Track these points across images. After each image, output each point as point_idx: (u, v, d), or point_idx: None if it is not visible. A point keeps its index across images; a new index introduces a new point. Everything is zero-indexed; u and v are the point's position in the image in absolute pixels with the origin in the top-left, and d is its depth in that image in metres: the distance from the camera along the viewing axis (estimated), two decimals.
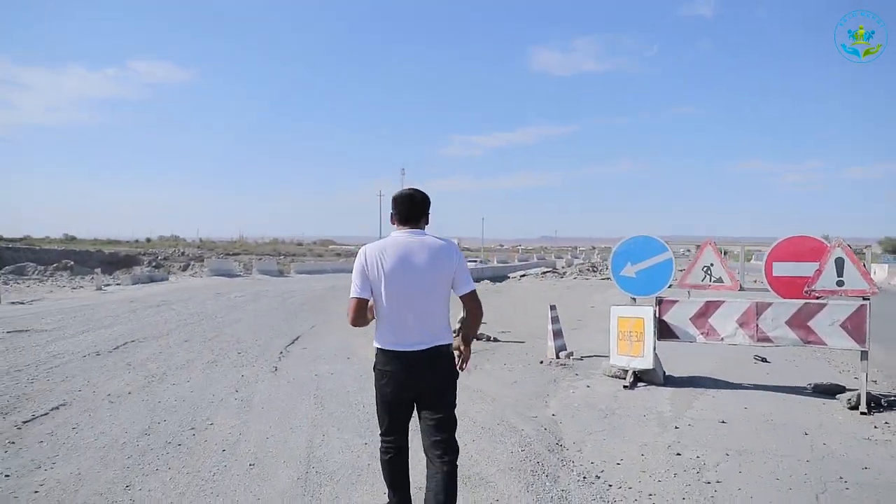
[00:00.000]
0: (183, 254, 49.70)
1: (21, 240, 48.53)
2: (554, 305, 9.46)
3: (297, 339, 11.04)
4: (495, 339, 10.84)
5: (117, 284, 24.84)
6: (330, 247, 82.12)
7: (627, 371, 7.31)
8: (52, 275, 30.95)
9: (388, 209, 3.27)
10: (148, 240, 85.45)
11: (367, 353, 9.37)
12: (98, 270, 27.70)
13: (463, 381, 7.38)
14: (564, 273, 36.37)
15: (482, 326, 12.39)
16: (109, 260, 40.03)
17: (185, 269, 37.70)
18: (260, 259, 51.11)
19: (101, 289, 22.31)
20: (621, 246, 7.65)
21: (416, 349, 3.03)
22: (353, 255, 66.80)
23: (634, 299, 7.59)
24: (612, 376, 7.56)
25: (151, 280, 26.54)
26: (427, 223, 3.22)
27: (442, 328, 3.11)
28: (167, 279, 28.00)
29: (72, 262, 33.15)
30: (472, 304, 3.16)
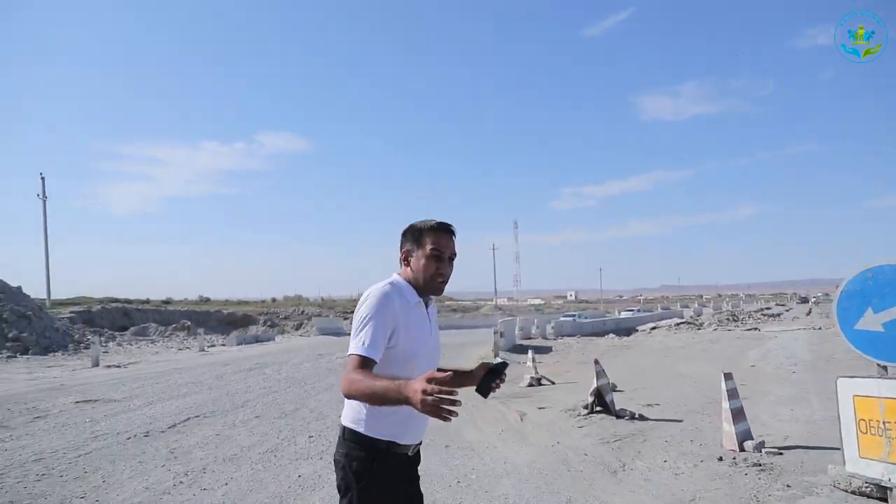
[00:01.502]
0: (302, 313, 50.16)
1: (150, 302, 51.00)
2: (729, 374, 6.71)
3: None
4: (641, 417, 8.13)
5: (222, 345, 24.31)
6: (446, 303, 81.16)
7: (888, 488, 4.47)
8: (171, 335, 31.39)
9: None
10: (273, 300, 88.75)
11: (488, 447, 7.12)
12: (201, 331, 27.57)
13: (609, 496, 4.86)
14: (702, 324, 32.15)
15: (621, 396, 9.65)
16: (228, 320, 40.71)
17: (297, 328, 37.43)
18: None
19: (203, 350, 21.69)
20: (854, 282, 4.91)
21: None
22: (468, 310, 65.36)
23: (885, 368, 4.78)
24: (853, 492, 4.74)
25: (257, 340, 25.89)
26: (402, 263, 2.32)
27: (347, 405, 2.23)
28: (273, 339, 27.31)
29: (189, 323, 33.71)
30: None
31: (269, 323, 39.59)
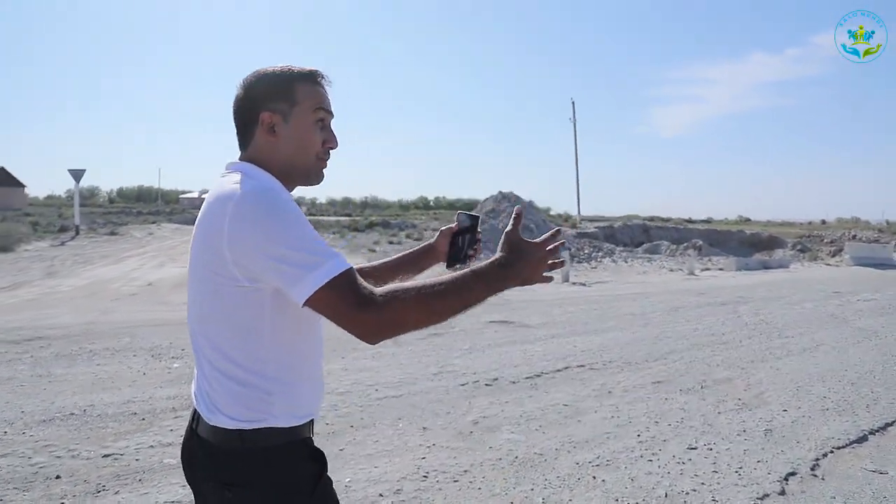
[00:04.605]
0: (853, 237, 41.42)
1: (672, 220, 50.29)
2: None
3: (880, 429, 4.72)
4: None
5: (719, 269, 20.80)
6: None
7: None
8: (680, 254, 29.51)
9: None
10: (822, 221, 77.19)
11: None
12: (692, 252, 24.34)
13: None
14: None
15: None
16: (750, 241, 36.27)
17: (834, 254, 30.19)
18: None
19: (693, 273, 18.79)
20: None
21: (198, 411, 1.35)
22: None
23: None
24: None
25: (764, 267, 21.28)
26: (249, 139, 1.37)
27: (217, 380, 1.28)
28: (787, 266, 22.06)
29: (700, 242, 30.97)
30: (332, 316, 1.16)
31: (798, 247, 33.26)
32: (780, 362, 6.92)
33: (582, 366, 6.51)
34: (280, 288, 1.17)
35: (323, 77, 1.38)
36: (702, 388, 5.78)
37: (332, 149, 1.39)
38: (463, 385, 5.66)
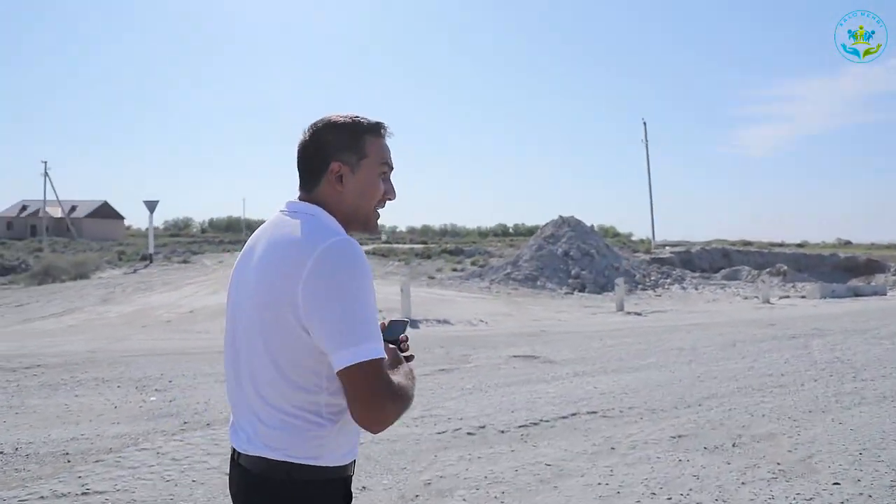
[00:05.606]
0: None
1: (754, 244, 47.22)
2: None
3: None
4: None
5: (801, 297, 18.79)
6: None
7: None
8: (763, 280, 27.28)
9: None
10: None
11: None
12: (764, 278, 22.14)
13: None
14: None
15: None
16: (846, 266, 33.15)
17: None
18: None
19: (767, 301, 16.99)
20: None
21: (234, 447, 1.39)
22: None
23: None
24: None
25: (855, 294, 19.04)
26: (324, 186, 1.40)
27: (270, 416, 1.30)
28: (884, 293, 19.67)
29: (784, 267, 28.49)
30: (351, 392, 1.22)
31: None
32: (847, 413, 5.69)
33: (594, 412, 5.57)
34: (320, 345, 1.23)
35: (387, 130, 1.45)
36: (733, 445, 4.73)
37: (390, 200, 1.46)
38: (440, 433, 4.89)
